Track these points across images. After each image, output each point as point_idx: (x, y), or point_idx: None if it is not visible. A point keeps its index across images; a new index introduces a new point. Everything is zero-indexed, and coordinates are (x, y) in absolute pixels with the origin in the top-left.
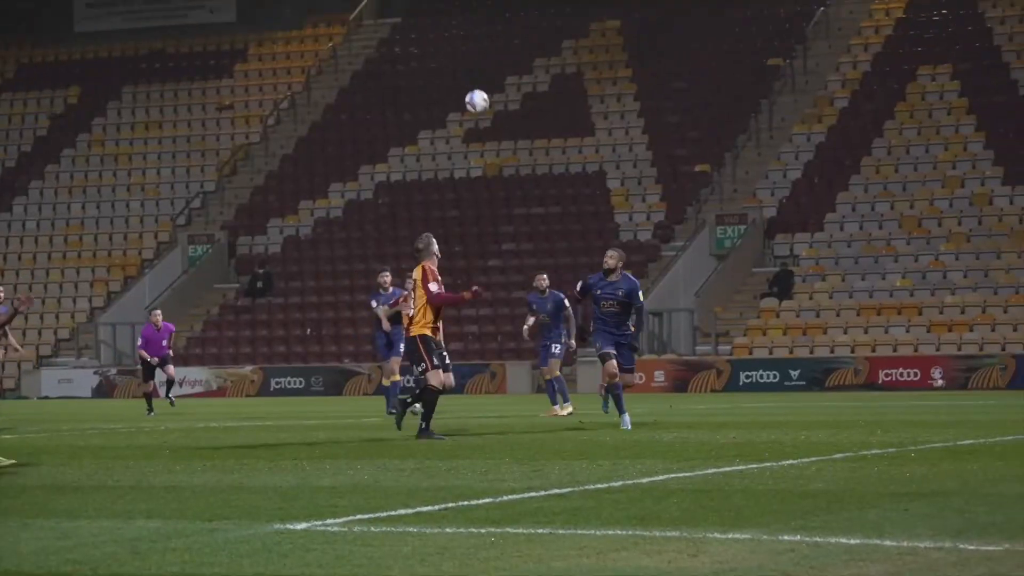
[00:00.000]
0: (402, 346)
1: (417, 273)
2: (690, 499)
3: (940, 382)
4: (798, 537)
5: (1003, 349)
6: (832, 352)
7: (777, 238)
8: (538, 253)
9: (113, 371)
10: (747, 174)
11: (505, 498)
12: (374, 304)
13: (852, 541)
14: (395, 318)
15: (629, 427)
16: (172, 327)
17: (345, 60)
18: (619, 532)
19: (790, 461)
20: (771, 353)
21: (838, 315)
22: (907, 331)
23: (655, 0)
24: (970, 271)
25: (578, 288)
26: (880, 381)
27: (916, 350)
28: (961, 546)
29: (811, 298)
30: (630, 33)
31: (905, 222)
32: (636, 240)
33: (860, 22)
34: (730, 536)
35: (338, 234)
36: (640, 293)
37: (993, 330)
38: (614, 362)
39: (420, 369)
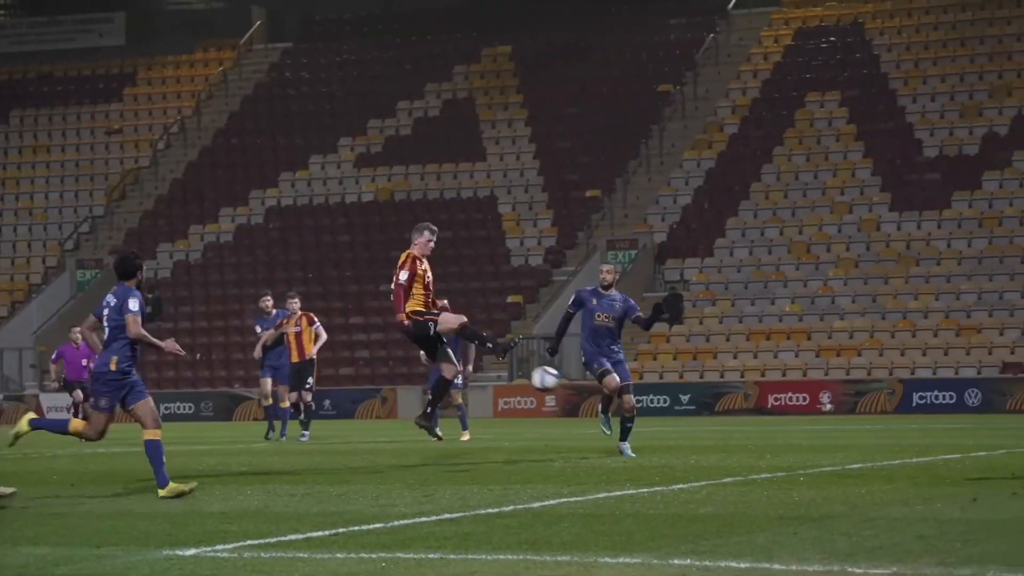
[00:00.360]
0: (287, 371)
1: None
2: (581, 524)
3: (829, 406)
4: (688, 561)
5: (891, 374)
6: (722, 377)
7: (668, 263)
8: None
9: (0, 396)
10: (638, 199)
11: (396, 523)
12: (259, 329)
13: (742, 565)
14: (278, 341)
15: (630, 454)
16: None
17: (236, 84)
18: (510, 557)
19: (680, 485)
20: (661, 378)
21: (728, 340)
22: (796, 356)
23: (546, 26)
24: (858, 296)
25: (571, 302)
26: (769, 405)
27: (805, 375)
28: (849, 569)
29: (701, 323)
30: (521, 59)
31: (794, 247)
32: (527, 265)
33: (750, 49)
34: (621, 560)
35: (228, 259)
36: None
37: (881, 355)
38: (615, 376)
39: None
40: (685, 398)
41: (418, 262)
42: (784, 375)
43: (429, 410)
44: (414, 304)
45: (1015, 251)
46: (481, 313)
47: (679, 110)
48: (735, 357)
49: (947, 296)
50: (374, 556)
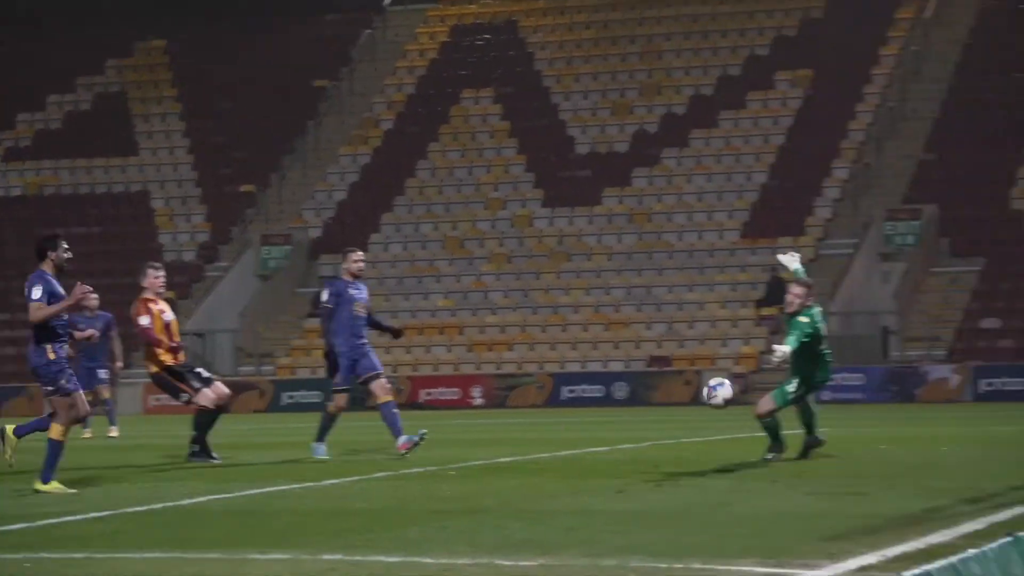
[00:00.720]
0: None
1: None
2: (232, 520)
3: (480, 400)
4: (339, 556)
5: (541, 368)
6: None
7: (322, 258)
8: (79, 274)
9: None
10: (293, 195)
11: (42, 523)
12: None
13: (392, 559)
14: None
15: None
16: None
17: None
18: (159, 555)
19: (332, 480)
20: (314, 373)
21: (380, 335)
22: (448, 350)
23: (202, 20)
24: (511, 291)
25: (327, 297)
26: (421, 400)
27: (457, 369)
28: (497, 562)
29: None
30: (175, 53)
31: (448, 243)
32: (180, 260)
33: (405, 45)
34: (271, 556)
35: None
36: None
37: (532, 349)
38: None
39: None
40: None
41: (151, 303)
42: (436, 369)
43: (196, 447)
44: (163, 356)
45: (663, 247)
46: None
47: (335, 105)
48: (388, 352)
49: (597, 291)
50: (19, 556)
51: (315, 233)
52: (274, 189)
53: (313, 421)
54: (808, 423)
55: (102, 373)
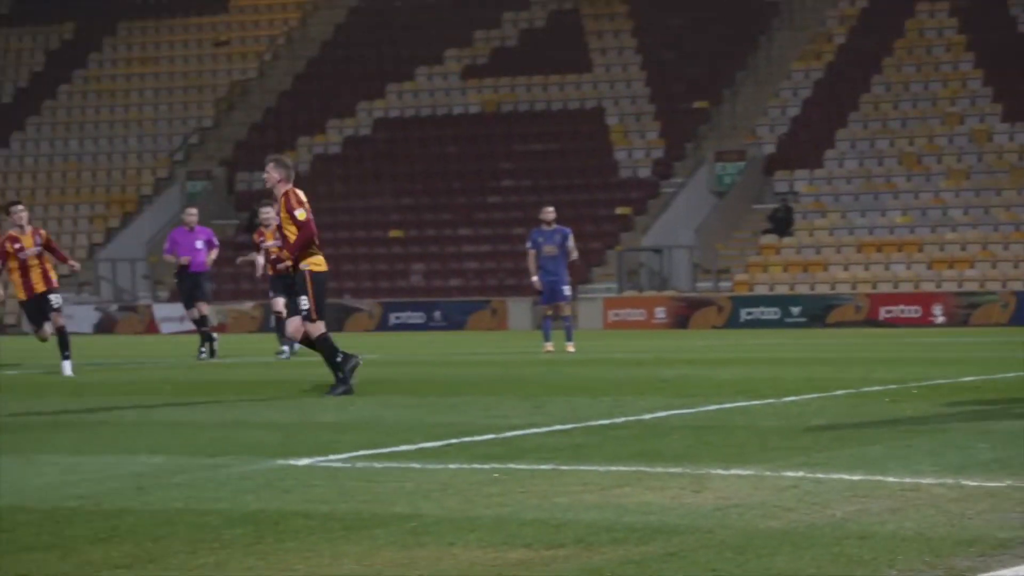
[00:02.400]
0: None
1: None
2: (692, 435)
3: (941, 319)
4: (801, 473)
5: (1004, 286)
6: (833, 289)
7: (776, 175)
8: (538, 190)
9: (114, 307)
10: (746, 110)
11: (508, 434)
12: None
13: (855, 477)
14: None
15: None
16: (211, 233)
17: None
18: (622, 468)
19: (792, 398)
20: (772, 290)
21: (839, 252)
22: (908, 268)
23: None
24: (970, 208)
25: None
26: (881, 318)
27: (917, 287)
28: (963, 482)
29: (811, 235)
30: None
31: (904, 159)
32: (635, 176)
33: None
34: (733, 472)
35: (336, 170)
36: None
37: (994, 267)
38: None
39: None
40: (796, 310)
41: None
42: (896, 287)
43: (340, 373)
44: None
45: None
46: (590, 225)
47: (787, 20)
48: (846, 269)
49: None
50: (486, 467)
51: (769, 149)
52: (727, 105)
53: (770, 337)
54: None
55: (566, 289)
